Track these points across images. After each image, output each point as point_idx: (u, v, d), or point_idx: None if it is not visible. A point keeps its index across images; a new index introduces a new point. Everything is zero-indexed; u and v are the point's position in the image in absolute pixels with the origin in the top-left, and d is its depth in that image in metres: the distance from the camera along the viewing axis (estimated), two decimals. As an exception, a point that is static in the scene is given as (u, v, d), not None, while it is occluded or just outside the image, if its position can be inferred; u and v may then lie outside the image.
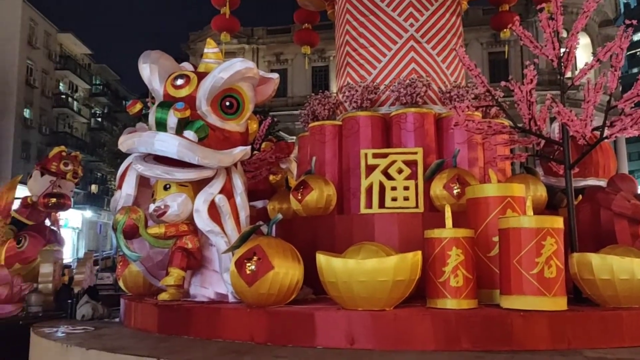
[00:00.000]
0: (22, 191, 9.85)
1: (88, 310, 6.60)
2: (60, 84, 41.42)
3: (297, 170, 8.03)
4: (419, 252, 4.57)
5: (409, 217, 5.88)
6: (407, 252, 4.54)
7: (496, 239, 4.71)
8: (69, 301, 6.99)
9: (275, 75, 6.08)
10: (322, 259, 4.62)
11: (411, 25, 7.42)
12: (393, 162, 6.18)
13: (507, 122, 5.94)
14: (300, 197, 6.39)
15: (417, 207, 5.99)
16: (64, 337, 5.28)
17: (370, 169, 6.22)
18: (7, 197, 8.79)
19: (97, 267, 15.79)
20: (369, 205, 6.10)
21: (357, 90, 6.92)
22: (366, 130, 6.76)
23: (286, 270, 4.78)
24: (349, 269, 4.45)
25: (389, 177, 6.14)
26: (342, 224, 6.22)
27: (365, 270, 4.40)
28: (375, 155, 6.28)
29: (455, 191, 5.95)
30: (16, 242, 8.96)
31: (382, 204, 6.05)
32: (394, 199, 6.06)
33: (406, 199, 6.03)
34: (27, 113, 35.98)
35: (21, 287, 7.64)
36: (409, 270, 4.47)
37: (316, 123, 7.20)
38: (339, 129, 7.05)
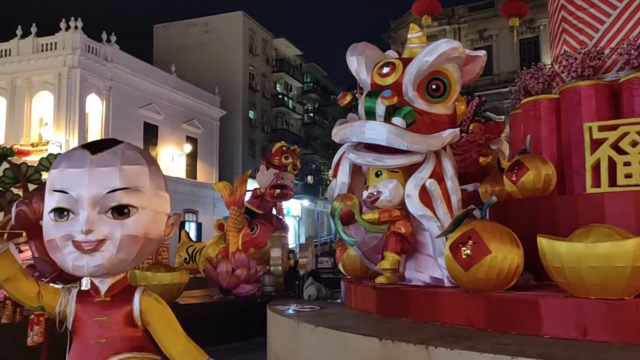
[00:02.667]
0: (251, 184, 11.14)
1: (313, 291, 7.17)
2: (277, 85, 45.62)
3: (510, 150, 7.60)
4: (665, 235, 3.98)
5: (648, 196, 5.15)
6: (647, 235, 3.99)
7: None
8: (296, 282, 7.67)
9: (482, 53, 5.79)
10: (544, 242, 4.30)
11: (642, -26, 6.46)
12: (625, 134, 5.44)
13: None
14: (514, 178, 6.03)
15: (658, 183, 5.21)
16: (295, 314, 5.82)
17: (597, 143, 5.57)
18: (240, 190, 10.02)
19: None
20: (597, 183, 5.48)
21: (576, 59, 6.28)
22: (589, 101, 6.09)
23: (504, 255, 4.56)
24: (576, 254, 4.06)
25: (621, 152, 5.43)
26: (565, 205, 5.71)
27: (597, 255, 3.97)
28: (601, 128, 5.60)
29: None
30: (249, 229, 10.19)
31: (612, 182, 5.38)
32: (628, 176, 5.34)
33: (643, 175, 5.28)
34: (251, 114, 40.47)
35: (256, 269, 8.61)
36: (651, 255, 3.91)
37: (529, 98, 6.71)
38: (556, 102, 6.47)
